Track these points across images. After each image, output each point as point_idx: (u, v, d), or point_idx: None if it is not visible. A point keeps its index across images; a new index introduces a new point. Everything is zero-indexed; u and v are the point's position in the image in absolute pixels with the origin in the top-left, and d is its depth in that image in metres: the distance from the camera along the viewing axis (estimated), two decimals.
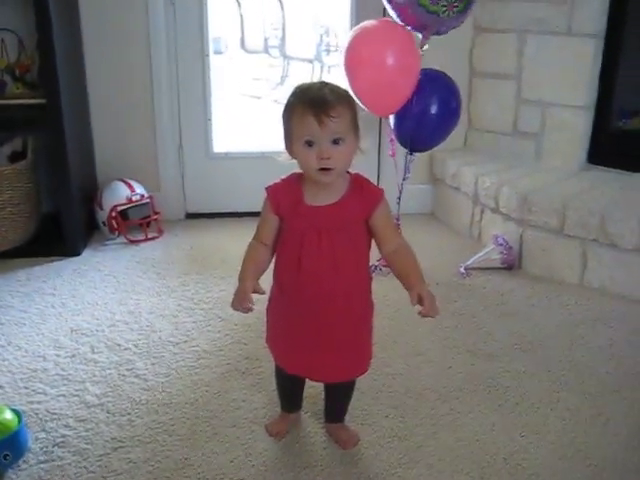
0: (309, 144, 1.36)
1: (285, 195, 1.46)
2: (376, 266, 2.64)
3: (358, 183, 1.46)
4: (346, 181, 1.46)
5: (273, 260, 1.52)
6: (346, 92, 1.43)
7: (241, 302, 1.43)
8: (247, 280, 1.44)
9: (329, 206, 1.43)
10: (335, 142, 1.36)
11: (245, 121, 4.44)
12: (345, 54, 2.40)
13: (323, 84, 1.42)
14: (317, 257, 1.42)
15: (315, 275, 1.43)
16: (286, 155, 1.45)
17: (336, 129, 1.35)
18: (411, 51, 2.38)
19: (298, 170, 1.46)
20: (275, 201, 1.47)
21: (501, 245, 2.71)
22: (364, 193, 1.45)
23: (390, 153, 2.63)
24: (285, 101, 1.43)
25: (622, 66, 2.90)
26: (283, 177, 1.50)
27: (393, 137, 2.59)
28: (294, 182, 1.47)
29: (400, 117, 2.50)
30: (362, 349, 1.58)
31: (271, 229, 1.49)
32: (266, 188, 1.49)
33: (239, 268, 1.49)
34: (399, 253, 1.48)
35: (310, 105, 1.35)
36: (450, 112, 2.51)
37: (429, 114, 2.47)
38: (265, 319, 1.63)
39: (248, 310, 1.42)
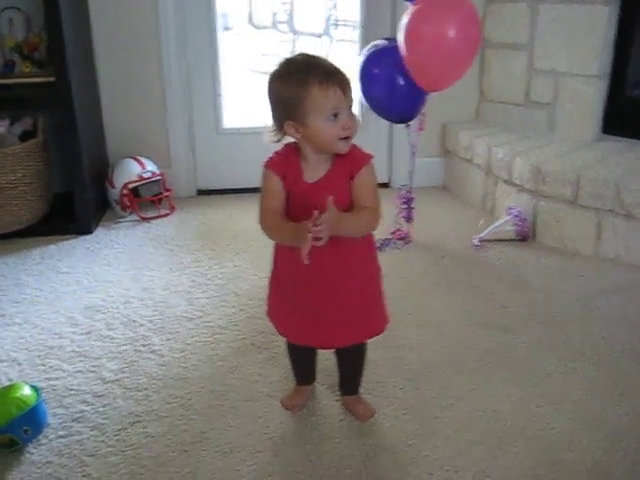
0: (335, 116, 1.35)
1: (285, 169, 1.44)
2: (390, 239, 2.64)
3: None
4: None
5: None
6: None
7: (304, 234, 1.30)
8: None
9: (324, 179, 1.42)
10: (349, 109, 1.38)
11: (255, 97, 4.39)
12: (405, 28, 2.35)
13: (312, 55, 1.40)
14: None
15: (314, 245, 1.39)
16: (271, 134, 1.43)
17: (351, 96, 1.37)
18: (474, 22, 2.33)
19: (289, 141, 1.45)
20: (280, 173, 1.44)
21: (515, 217, 2.70)
22: (352, 156, 1.42)
23: (419, 127, 2.60)
24: (275, 78, 1.39)
25: (637, 34, 2.85)
26: (277, 150, 1.47)
27: (425, 110, 2.55)
28: (291, 155, 1.45)
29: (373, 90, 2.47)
30: (370, 311, 1.55)
31: (282, 200, 1.45)
32: (265, 164, 1.46)
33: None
34: (361, 210, 1.41)
35: (332, 76, 1.34)
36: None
37: (396, 83, 2.43)
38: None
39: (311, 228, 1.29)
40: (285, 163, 1.44)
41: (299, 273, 1.44)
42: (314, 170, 1.43)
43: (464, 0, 2.34)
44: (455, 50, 2.29)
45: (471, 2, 2.32)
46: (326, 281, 1.47)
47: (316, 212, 1.29)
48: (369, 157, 1.44)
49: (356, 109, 1.45)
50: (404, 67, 2.38)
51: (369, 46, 2.51)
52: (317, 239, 1.29)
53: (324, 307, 1.49)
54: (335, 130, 1.36)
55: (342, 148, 1.39)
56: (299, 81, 1.34)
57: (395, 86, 2.43)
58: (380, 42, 2.51)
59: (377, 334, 1.59)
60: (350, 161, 1.42)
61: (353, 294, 1.50)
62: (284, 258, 1.51)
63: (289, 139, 1.44)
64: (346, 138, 1.38)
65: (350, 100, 1.37)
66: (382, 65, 2.45)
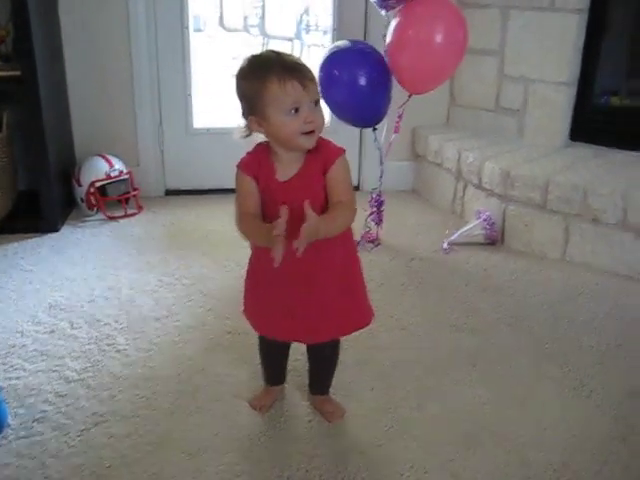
0: (296, 110, 1.34)
1: (258, 169, 1.42)
2: (359, 242, 2.62)
3: (317, 144, 1.42)
4: None
5: None
6: None
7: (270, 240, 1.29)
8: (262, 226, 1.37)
9: (296, 177, 1.40)
10: (315, 104, 1.36)
11: (225, 98, 4.37)
12: (392, 32, 2.38)
13: (276, 52, 1.39)
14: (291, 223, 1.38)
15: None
16: (241, 131, 1.42)
17: (314, 91, 1.36)
18: (461, 26, 2.36)
19: (261, 140, 1.44)
20: (252, 174, 1.42)
21: (484, 221, 2.71)
22: (323, 151, 1.41)
23: (395, 130, 2.59)
24: (240, 75, 1.39)
25: (605, 42, 2.89)
26: (249, 151, 1.46)
27: (401, 112, 2.55)
28: (263, 154, 1.43)
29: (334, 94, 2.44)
30: (351, 303, 1.53)
31: (256, 200, 1.43)
32: (237, 165, 1.44)
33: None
34: (336, 207, 1.40)
35: (291, 71, 1.33)
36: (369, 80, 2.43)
37: (358, 86, 2.41)
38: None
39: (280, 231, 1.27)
40: (257, 163, 1.43)
41: (275, 271, 1.42)
42: (286, 168, 1.41)
43: (451, 5, 2.39)
44: (444, 54, 2.34)
45: (457, 7, 2.36)
46: (302, 278, 1.44)
47: (284, 208, 1.28)
48: (341, 150, 1.43)
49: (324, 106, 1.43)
50: (367, 69, 2.39)
51: (331, 47, 2.49)
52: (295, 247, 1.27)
53: (302, 305, 1.47)
54: (296, 124, 1.34)
55: (305, 143, 1.37)
56: (258, 77, 1.34)
57: (357, 89, 2.40)
58: (342, 43, 2.48)
59: (362, 327, 1.57)
60: (322, 156, 1.40)
61: (330, 288, 1.48)
62: (260, 256, 1.48)
63: (259, 137, 1.43)
64: (309, 133, 1.36)
65: (314, 95, 1.35)
66: (343, 67, 2.42)
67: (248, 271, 1.56)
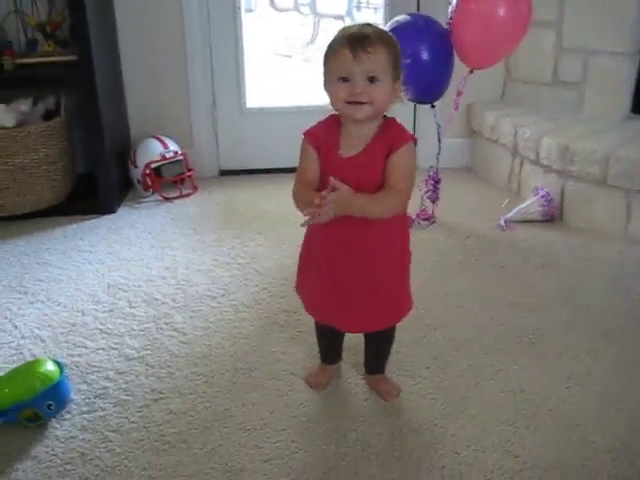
0: (344, 80, 1.33)
1: (324, 139, 1.42)
2: (414, 220, 2.60)
3: (389, 126, 1.41)
4: (377, 126, 1.40)
5: None
6: (390, 35, 1.39)
7: (310, 203, 1.31)
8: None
9: (361, 154, 1.38)
10: (371, 80, 1.33)
11: (278, 79, 4.39)
12: (455, 5, 2.37)
13: (367, 24, 1.37)
14: None
15: (347, 221, 1.35)
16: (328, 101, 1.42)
17: (371, 66, 1.32)
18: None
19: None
20: (315, 145, 1.42)
21: (542, 197, 2.65)
22: (392, 134, 1.39)
23: (454, 107, 2.56)
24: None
25: None
26: (321, 120, 1.46)
27: (462, 89, 2.52)
28: (332, 125, 1.43)
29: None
30: (399, 295, 1.53)
31: (314, 172, 1.43)
32: (304, 132, 1.45)
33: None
34: (385, 191, 1.37)
35: (348, 40, 1.32)
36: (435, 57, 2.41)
37: (421, 60, 2.38)
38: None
39: (319, 203, 1.29)
40: (324, 133, 1.42)
41: (333, 252, 1.43)
42: (352, 144, 1.40)
43: None
44: (508, 27, 2.31)
45: None
46: (361, 261, 1.44)
47: (333, 179, 1.29)
48: (410, 137, 1.40)
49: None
50: (430, 43, 2.35)
51: (391, 22, 2.44)
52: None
53: (356, 288, 1.46)
54: (341, 93, 1.34)
55: (350, 112, 1.35)
56: (328, 46, 1.38)
57: (421, 63, 2.37)
58: (402, 17, 2.44)
59: (399, 320, 1.57)
60: (390, 138, 1.38)
61: (387, 277, 1.48)
62: (318, 235, 1.47)
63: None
64: (355, 104, 1.34)
65: (368, 68, 1.31)
66: (406, 41, 2.39)
67: (302, 250, 1.56)
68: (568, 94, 3.05)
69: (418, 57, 2.36)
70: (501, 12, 2.28)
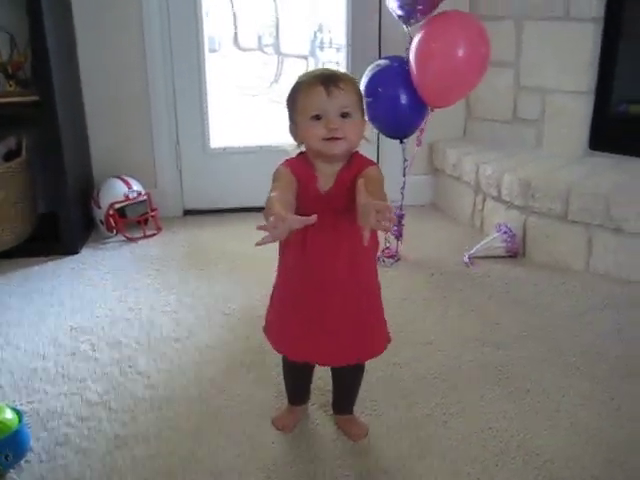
0: (317, 117, 1.35)
1: (302, 172, 1.40)
2: (378, 257, 2.60)
3: (353, 158, 1.42)
4: (344, 160, 1.42)
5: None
6: (352, 76, 1.43)
7: (267, 214, 1.19)
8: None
9: (332, 189, 1.40)
10: (343, 116, 1.36)
11: (242, 117, 4.40)
12: (415, 46, 2.41)
13: (330, 68, 1.44)
14: (322, 237, 1.39)
15: (321, 254, 1.38)
16: (292, 144, 1.44)
17: (344, 102, 1.35)
18: (483, 41, 2.38)
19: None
20: (295, 174, 1.39)
21: (505, 233, 2.68)
22: (355, 164, 1.41)
23: (417, 143, 2.59)
24: (291, 87, 1.43)
25: (622, 50, 2.85)
26: (290, 158, 1.45)
27: (424, 126, 2.56)
28: (305, 161, 1.43)
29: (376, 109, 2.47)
30: (376, 328, 1.53)
31: (293, 196, 1.34)
32: (281, 164, 1.43)
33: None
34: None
35: (318, 78, 1.36)
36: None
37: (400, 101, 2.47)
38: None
39: (278, 222, 1.16)
40: (301, 167, 1.42)
41: (311, 278, 1.42)
42: (326, 179, 1.41)
43: (474, 20, 2.43)
44: (466, 67, 2.36)
45: (480, 23, 2.41)
46: (340, 289, 1.44)
47: (314, 217, 1.20)
48: (373, 162, 1.43)
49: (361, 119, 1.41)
50: (408, 84, 2.43)
51: (373, 65, 2.52)
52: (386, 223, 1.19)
53: (334, 317, 1.45)
54: (317, 130, 1.35)
55: (326, 149, 1.37)
56: (293, 88, 1.41)
57: (399, 104, 2.46)
58: (382, 61, 2.53)
59: (379, 353, 1.55)
60: (354, 166, 1.40)
61: (364, 308, 1.48)
62: (298, 265, 1.45)
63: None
64: (331, 140, 1.35)
65: (341, 104, 1.35)
66: (387, 83, 2.46)
67: (277, 282, 1.54)
68: (527, 131, 3.11)
69: (395, 94, 2.44)
70: (460, 53, 2.32)
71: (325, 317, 1.45)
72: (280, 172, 1.41)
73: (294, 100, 1.40)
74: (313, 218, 1.20)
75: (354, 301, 1.46)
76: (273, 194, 1.27)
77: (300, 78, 1.41)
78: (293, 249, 1.43)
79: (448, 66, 2.35)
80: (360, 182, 1.29)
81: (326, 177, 1.41)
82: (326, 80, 1.35)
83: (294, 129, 1.42)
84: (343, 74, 1.40)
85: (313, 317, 1.45)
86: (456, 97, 2.53)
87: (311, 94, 1.35)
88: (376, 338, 1.54)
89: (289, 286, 1.50)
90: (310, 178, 1.40)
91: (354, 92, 1.38)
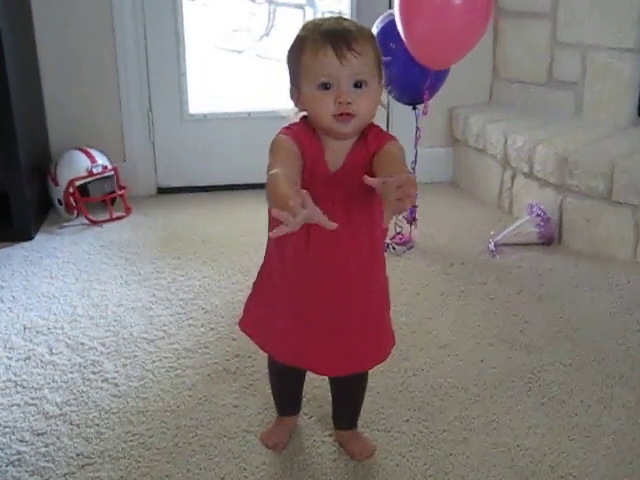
0: (325, 86, 1.32)
1: (308, 145, 1.37)
2: (388, 244, 2.62)
3: (367, 131, 1.40)
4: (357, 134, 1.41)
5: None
6: (370, 29, 1.39)
7: (284, 205, 1.12)
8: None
9: (341, 170, 1.38)
10: (357, 85, 1.32)
11: (225, 78, 4.40)
12: None
13: (341, 17, 1.38)
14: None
15: (328, 247, 1.36)
16: (292, 109, 1.41)
17: (359, 68, 1.31)
18: None
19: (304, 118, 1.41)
20: (300, 146, 1.36)
21: (537, 216, 2.69)
22: (370, 139, 1.39)
23: (423, 111, 2.60)
24: (293, 40, 1.39)
25: None
26: (291, 124, 1.41)
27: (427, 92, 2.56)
28: (311, 132, 1.39)
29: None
30: (387, 325, 1.54)
31: (297, 163, 1.32)
32: (279, 131, 1.39)
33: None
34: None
35: (328, 37, 1.30)
36: None
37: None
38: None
39: (295, 209, 1.11)
40: (307, 138, 1.38)
41: (318, 277, 1.42)
42: (335, 156, 1.39)
43: None
44: (462, 17, 2.32)
45: None
46: (350, 288, 1.44)
47: (304, 191, 1.17)
48: (392, 136, 1.41)
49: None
50: None
51: (384, 15, 2.52)
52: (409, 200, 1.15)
53: (341, 318, 1.46)
54: (325, 102, 1.32)
55: (336, 127, 1.34)
56: (296, 41, 1.36)
57: (414, 63, 2.45)
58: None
59: (383, 360, 1.56)
60: (370, 143, 1.38)
61: (373, 307, 1.49)
62: (297, 254, 1.43)
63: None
64: (342, 116, 1.32)
65: (355, 72, 1.31)
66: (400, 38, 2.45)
67: (263, 276, 1.54)
68: (565, 95, 3.12)
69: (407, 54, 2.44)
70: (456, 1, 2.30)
71: (329, 318, 1.45)
72: (281, 142, 1.36)
73: (297, 60, 1.35)
74: (332, 225, 1.16)
75: (364, 300, 1.47)
76: (276, 171, 1.22)
77: (305, 31, 1.36)
78: (293, 236, 1.41)
79: (440, 18, 2.33)
80: (376, 159, 1.31)
81: (335, 154, 1.39)
82: (338, 40, 1.29)
83: (296, 93, 1.39)
84: (358, 29, 1.33)
85: (311, 318, 1.46)
86: (450, 57, 2.48)
87: (319, 57, 1.30)
88: (382, 342, 1.55)
89: (284, 279, 1.48)
90: (318, 152, 1.38)
91: (372, 54, 1.33)
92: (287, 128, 1.39)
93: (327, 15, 1.38)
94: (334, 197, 1.34)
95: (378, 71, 1.36)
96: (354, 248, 1.40)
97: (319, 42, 1.30)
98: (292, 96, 1.40)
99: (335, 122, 1.33)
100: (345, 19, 1.37)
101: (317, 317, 1.45)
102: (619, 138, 2.84)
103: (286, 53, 1.40)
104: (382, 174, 1.25)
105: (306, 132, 1.38)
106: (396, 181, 1.15)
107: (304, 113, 1.40)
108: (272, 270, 1.51)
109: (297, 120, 1.42)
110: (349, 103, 1.31)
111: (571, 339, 2.11)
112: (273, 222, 1.43)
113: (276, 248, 1.48)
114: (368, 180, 1.20)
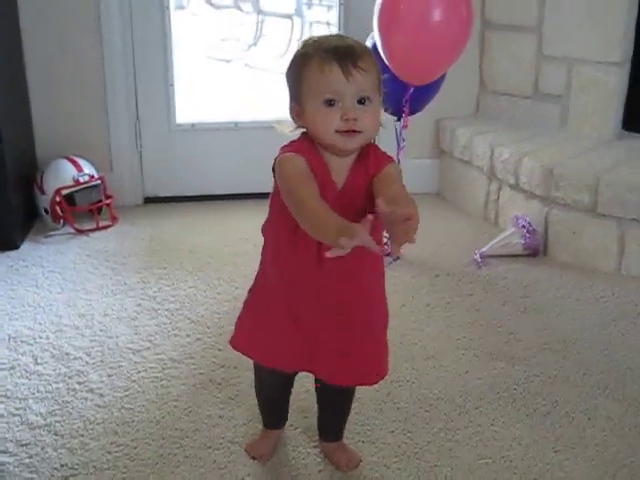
0: (330, 103, 1.32)
1: (316, 164, 1.37)
2: None
3: (367, 151, 1.40)
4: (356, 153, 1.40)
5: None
6: (368, 48, 1.41)
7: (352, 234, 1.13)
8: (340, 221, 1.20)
9: (343, 189, 1.38)
10: (360, 102, 1.33)
11: (213, 88, 4.41)
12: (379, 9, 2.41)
13: (340, 35, 1.41)
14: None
15: (340, 264, 1.29)
16: (290, 124, 1.41)
17: (364, 85, 1.32)
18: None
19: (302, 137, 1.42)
20: (309, 162, 1.35)
21: (523, 228, 2.70)
22: (371, 159, 1.39)
23: (403, 124, 2.61)
24: (293, 56, 1.40)
25: None
26: (292, 141, 1.41)
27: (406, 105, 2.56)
28: (316, 150, 1.38)
29: None
30: (383, 347, 1.55)
31: (313, 180, 1.32)
32: (282, 150, 1.39)
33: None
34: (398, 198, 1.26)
35: (334, 54, 1.31)
36: None
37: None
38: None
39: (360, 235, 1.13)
40: (314, 157, 1.38)
41: (322, 285, 1.42)
42: (336, 174, 1.39)
43: None
44: (442, 33, 2.34)
45: None
46: (360, 293, 1.45)
47: (370, 217, 1.18)
48: (392, 159, 1.42)
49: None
50: None
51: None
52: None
53: (354, 327, 1.46)
54: (330, 119, 1.32)
55: (340, 143, 1.33)
56: (299, 57, 1.37)
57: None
58: None
59: (381, 379, 1.56)
60: (371, 163, 1.38)
61: (380, 311, 1.51)
62: (298, 265, 1.43)
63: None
64: (346, 132, 1.32)
65: (360, 89, 1.31)
66: None
67: (259, 287, 1.53)
68: (551, 108, 3.14)
69: None
70: (435, 15, 2.32)
71: (339, 330, 1.46)
72: (294, 162, 1.35)
73: (299, 77, 1.35)
74: (377, 248, 1.17)
75: (368, 312, 1.48)
76: (313, 200, 1.25)
77: (306, 48, 1.36)
78: (299, 255, 1.41)
79: (418, 33, 2.34)
80: (377, 180, 1.33)
81: (337, 171, 1.39)
82: (343, 57, 1.30)
83: (297, 110, 1.38)
84: (361, 47, 1.35)
85: (305, 328, 1.46)
86: (429, 73, 2.49)
87: (325, 73, 1.30)
88: (385, 348, 1.55)
89: (279, 284, 1.47)
90: (325, 171, 1.38)
91: (374, 71, 1.33)
92: (291, 146, 1.39)
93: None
94: (340, 214, 1.34)
95: (379, 88, 1.37)
96: (362, 263, 1.40)
97: (325, 59, 1.31)
98: (292, 112, 1.40)
99: (339, 138, 1.33)
100: (346, 37, 1.39)
101: (327, 328, 1.46)
102: (604, 151, 2.86)
103: (286, 69, 1.41)
104: (382, 196, 1.24)
105: (311, 150, 1.38)
106: (404, 214, 1.15)
107: (302, 129, 1.41)
108: (271, 288, 1.50)
109: (295, 136, 1.42)
110: (355, 119, 1.31)
111: (556, 351, 2.12)
112: (272, 241, 1.44)
113: (274, 267, 1.48)
114: (380, 205, 1.18)
